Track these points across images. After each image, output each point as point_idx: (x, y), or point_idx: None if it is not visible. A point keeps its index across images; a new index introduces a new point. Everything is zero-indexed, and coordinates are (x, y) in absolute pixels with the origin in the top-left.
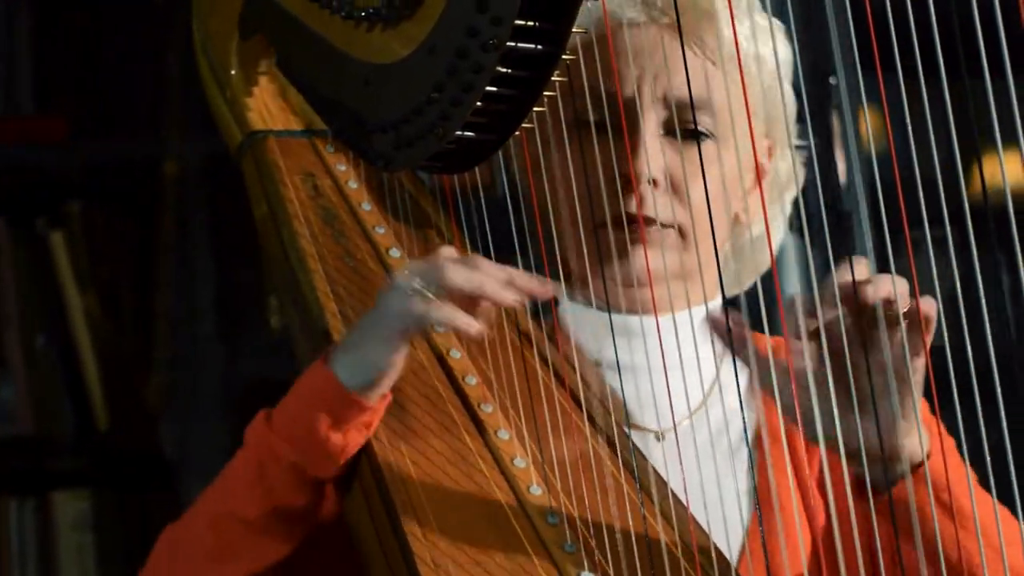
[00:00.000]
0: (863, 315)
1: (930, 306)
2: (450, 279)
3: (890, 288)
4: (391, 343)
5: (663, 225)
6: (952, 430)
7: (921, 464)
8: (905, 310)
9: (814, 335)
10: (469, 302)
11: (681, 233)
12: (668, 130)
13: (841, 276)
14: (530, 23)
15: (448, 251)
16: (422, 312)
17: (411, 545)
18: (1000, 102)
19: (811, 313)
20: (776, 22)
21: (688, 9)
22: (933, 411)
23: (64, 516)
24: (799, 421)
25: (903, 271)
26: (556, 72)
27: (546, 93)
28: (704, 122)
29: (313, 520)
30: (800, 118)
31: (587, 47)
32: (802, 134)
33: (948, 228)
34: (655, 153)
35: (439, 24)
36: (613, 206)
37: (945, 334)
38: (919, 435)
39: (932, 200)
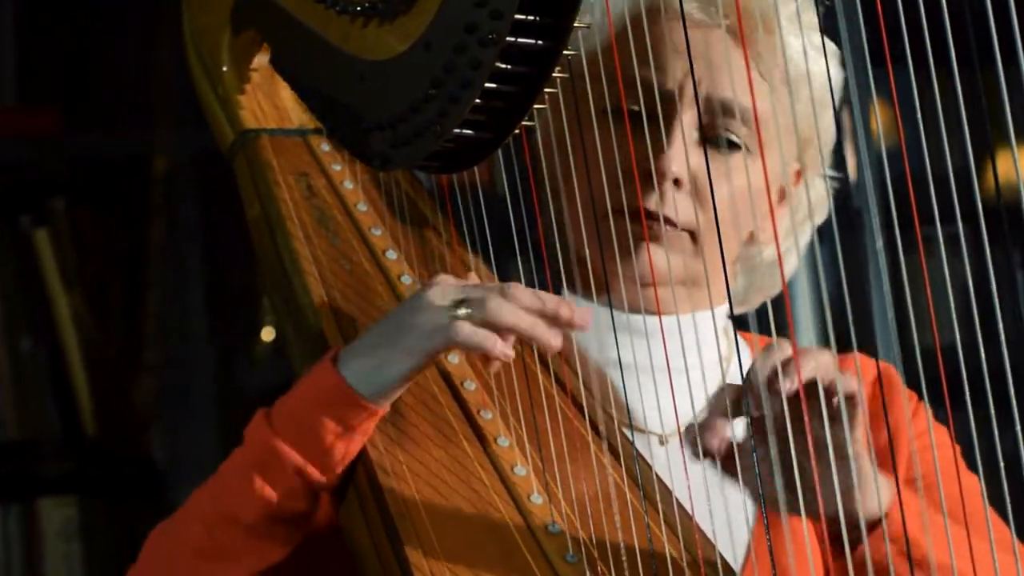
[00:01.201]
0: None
1: (852, 385)
2: (497, 316)
3: (812, 367)
4: (416, 358)
5: (679, 227)
6: (964, 433)
7: (879, 522)
8: (828, 385)
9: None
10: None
11: (694, 238)
12: (701, 133)
13: (765, 363)
14: (530, 17)
15: (515, 291)
16: (464, 337)
17: (408, 555)
18: (1014, 95)
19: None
20: (831, 45)
21: (748, 16)
22: (944, 415)
23: (50, 524)
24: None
25: (914, 270)
26: (557, 67)
27: (547, 89)
28: (740, 132)
29: (311, 523)
30: (835, 148)
31: (636, 30)
32: (835, 165)
33: (961, 226)
34: (684, 153)
35: (436, 19)
36: (631, 198)
37: (958, 335)
38: (877, 494)
39: (944, 197)
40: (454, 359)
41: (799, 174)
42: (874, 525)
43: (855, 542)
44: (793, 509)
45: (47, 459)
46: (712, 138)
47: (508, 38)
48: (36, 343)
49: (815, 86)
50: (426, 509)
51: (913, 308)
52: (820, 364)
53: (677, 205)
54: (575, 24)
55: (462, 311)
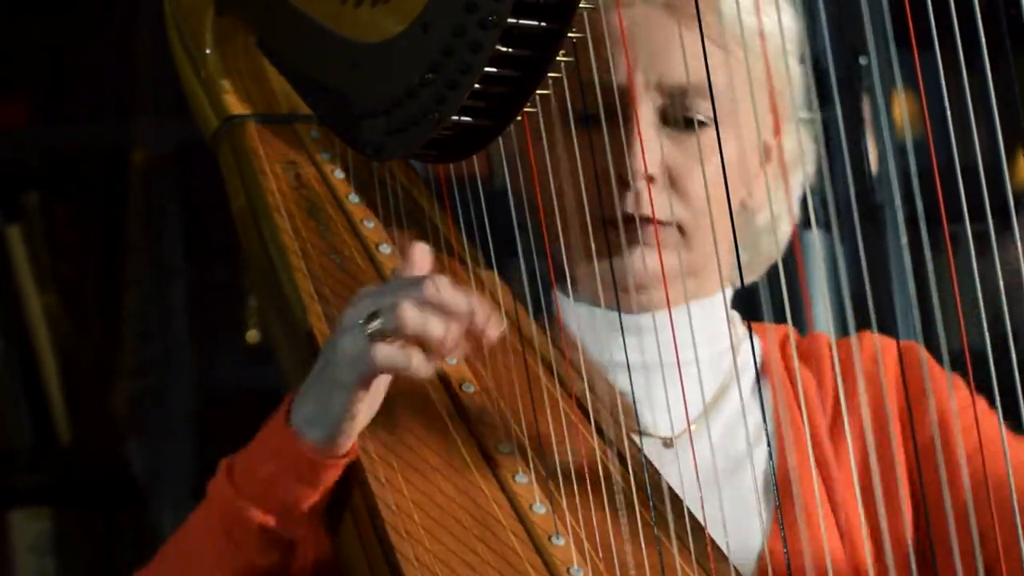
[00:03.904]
0: None
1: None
2: (408, 325)
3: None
4: (347, 391)
5: (662, 223)
6: None
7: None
8: None
9: None
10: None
11: (681, 230)
12: (665, 120)
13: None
14: None
15: (413, 265)
16: (383, 361)
17: (403, 570)
18: None
19: None
20: None
21: None
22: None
23: (22, 538)
24: None
25: (941, 269)
26: (562, 51)
27: (550, 74)
28: (703, 108)
29: (286, 570)
30: (813, 92)
31: (576, 29)
32: (809, 107)
33: (990, 222)
34: (651, 147)
35: None
36: (608, 207)
37: (987, 335)
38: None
39: (973, 191)
40: (452, 361)
41: (777, 128)
42: None
43: None
44: None
45: (18, 469)
46: (676, 122)
47: (509, 19)
48: (7, 346)
49: (775, 38)
50: (422, 519)
51: (939, 309)
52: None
53: (655, 201)
54: (580, 4)
55: (375, 324)
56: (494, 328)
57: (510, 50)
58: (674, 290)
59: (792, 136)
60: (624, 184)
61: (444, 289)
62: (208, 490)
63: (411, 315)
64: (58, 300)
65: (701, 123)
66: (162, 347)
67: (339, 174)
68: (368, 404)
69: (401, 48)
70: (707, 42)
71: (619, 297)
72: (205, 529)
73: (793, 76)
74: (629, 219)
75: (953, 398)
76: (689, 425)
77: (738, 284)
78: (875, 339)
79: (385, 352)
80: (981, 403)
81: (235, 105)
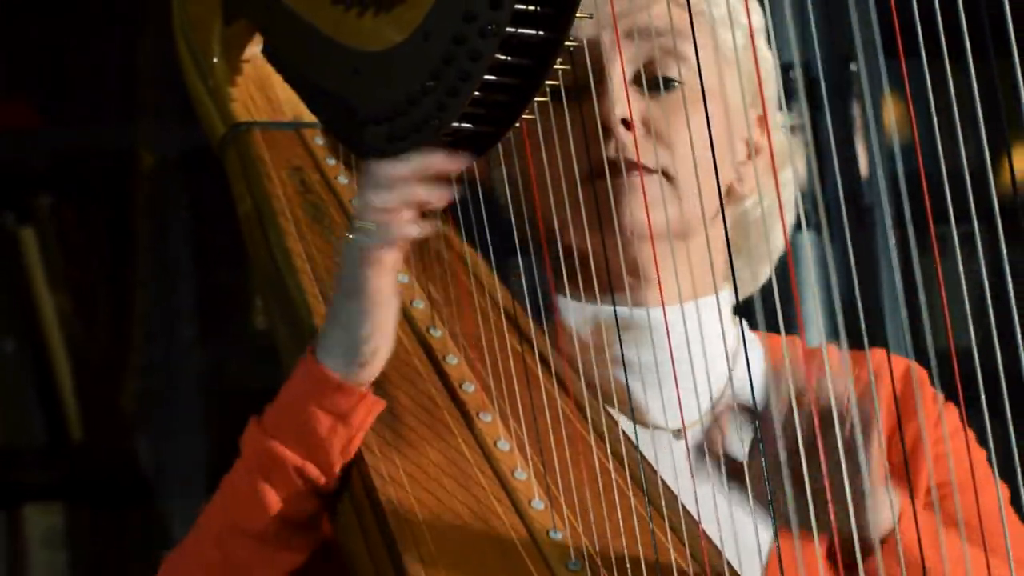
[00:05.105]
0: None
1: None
2: (379, 202)
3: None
4: (360, 296)
5: (647, 170)
6: (980, 438)
7: (892, 533)
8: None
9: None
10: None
11: (667, 177)
12: (638, 80)
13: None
14: (530, 8)
15: (373, 170)
16: (372, 240)
17: (405, 564)
18: None
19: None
20: None
21: None
22: (961, 418)
23: (34, 532)
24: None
25: (928, 270)
26: (559, 60)
27: (548, 82)
28: (673, 67)
29: (320, 528)
30: (803, 99)
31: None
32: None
33: (976, 224)
34: (623, 94)
35: (434, 9)
36: (596, 157)
37: (973, 337)
38: (890, 504)
39: (959, 194)
40: (453, 360)
41: (762, 121)
42: (885, 539)
43: (865, 553)
44: (804, 524)
45: (31, 466)
46: (652, 77)
47: (508, 29)
48: (20, 346)
49: (738, 26)
50: (424, 516)
51: (926, 309)
52: (835, 384)
53: (639, 147)
54: (576, 14)
55: (356, 223)
56: (454, 164)
57: (509, 58)
58: (671, 285)
59: (776, 136)
60: (606, 132)
61: (387, 165)
62: (241, 444)
63: (376, 196)
64: (69, 300)
65: (674, 82)
66: (170, 347)
67: (343, 179)
68: (383, 315)
69: (403, 56)
70: (679, 10)
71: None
72: (241, 479)
73: (768, 76)
74: (614, 166)
75: (945, 424)
76: (701, 418)
77: (735, 285)
78: (878, 355)
79: (371, 233)
80: (970, 435)
81: (241, 112)
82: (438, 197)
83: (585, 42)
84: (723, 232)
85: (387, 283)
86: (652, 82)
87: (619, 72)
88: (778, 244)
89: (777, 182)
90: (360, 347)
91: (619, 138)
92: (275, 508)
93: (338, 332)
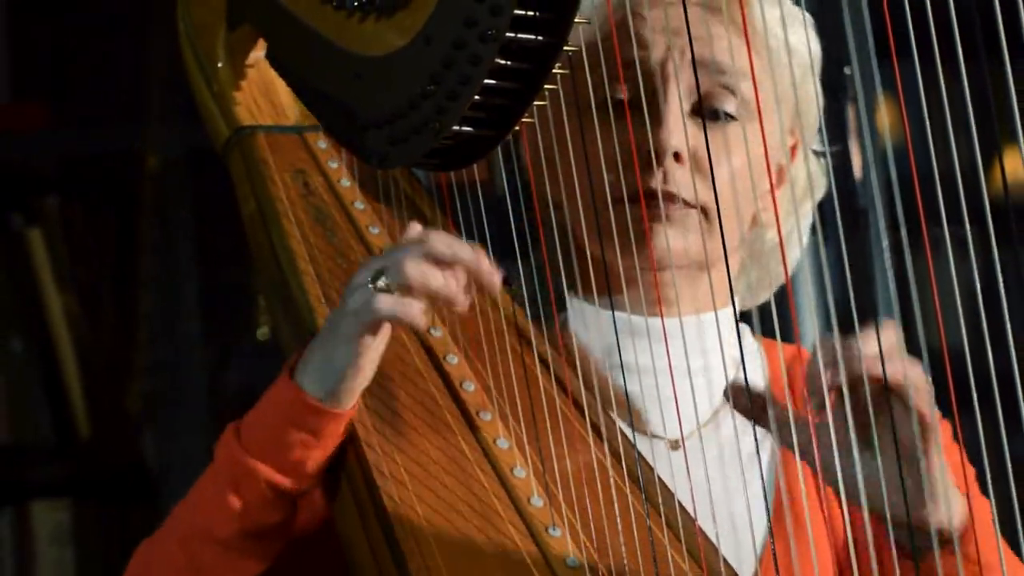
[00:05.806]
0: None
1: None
2: (411, 278)
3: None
4: (352, 344)
5: (686, 204)
6: (971, 440)
7: (951, 538)
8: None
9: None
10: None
11: (705, 214)
12: (694, 110)
13: (865, 344)
14: (530, 12)
15: (413, 232)
16: (385, 310)
17: (407, 560)
18: (1022, 91)
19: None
20: (808, 17)
21: None
22: (951, 419)
23: (42, 528)
24: (821, 477)
25: (921, 272)
26: (558, 64)
27: (547, 86)
28: (732, 103)
29: (288, 534)
30: (841, 146)
31: (617, 16)
32: (840, 162)
33: (968, 226)
34: (679, 129)
35: (435, 14)
36: (632, 183)
37: (965, 338)
38: (948, 505)
39: (951, 196)
40: (453, 359)
41: (794, 149)
42: (943, 541)
43: (923, 550)
44: (855, 498)
45: (39, 463)
46: (707, 110)
47: (508, 33)
48: (29, 346)
49: (800, 56)
50: (424, 512)
51: (919, 310)
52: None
53: (680, 181)
54: (576, 19)
55: (382, 282)
56: (495, 277)
57: (509, 63)
58: (681, 282)
59: (811, 161)
60: (651, 161)
61: (444, 242)
62: (216, 451)
63: (413, 268)
64: (77, 300)
65: (728, 116)
66: (175, 346)
67: (345, 182)
68: (369, 360)
69: (403, 61)
70: (741, 42)
71: (627, 286)
72: (212, 487)
73: (812, 99)
74: (651, 195)
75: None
76: (698, 428)
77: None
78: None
79: (388, 302)
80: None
81: (245, 116)
82: (455, 299)
83: (637, 60)
84: (738, 258)
85: (381, 342)
86: (706, 114)
87: (677, 101)
88: (790, 267)
89: (797, 212)
90: (337, 382)
91: (667, 169)
92: (241, 516)
93: (319, 360)
